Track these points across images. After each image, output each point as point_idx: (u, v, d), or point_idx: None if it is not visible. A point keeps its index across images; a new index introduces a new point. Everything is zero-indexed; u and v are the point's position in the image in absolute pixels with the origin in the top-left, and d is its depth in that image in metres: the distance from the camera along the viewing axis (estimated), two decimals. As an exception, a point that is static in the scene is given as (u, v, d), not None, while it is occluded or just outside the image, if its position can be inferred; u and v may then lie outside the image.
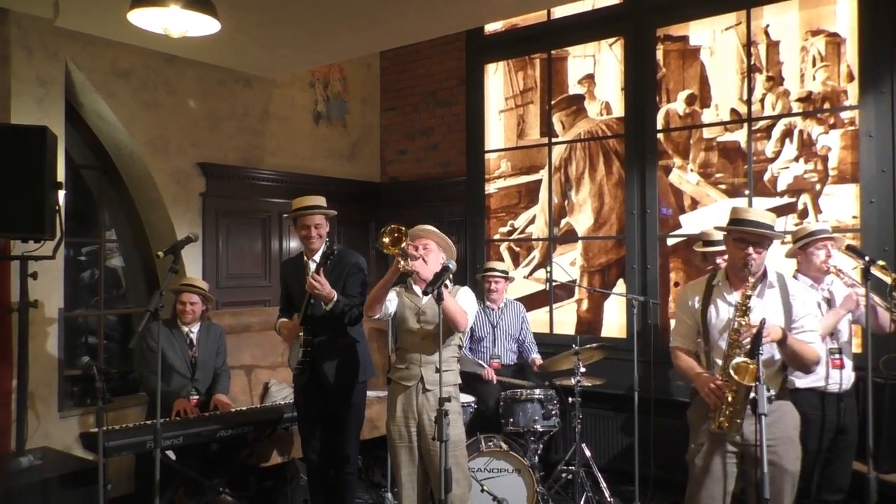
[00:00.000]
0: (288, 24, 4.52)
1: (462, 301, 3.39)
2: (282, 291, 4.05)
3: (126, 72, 4.92)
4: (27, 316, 3.95)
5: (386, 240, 3.13)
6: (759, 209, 3.04)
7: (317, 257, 3.72)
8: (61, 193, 3.95)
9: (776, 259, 4.24)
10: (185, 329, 4.37)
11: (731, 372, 2.65)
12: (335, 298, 3.58)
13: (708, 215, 4.92)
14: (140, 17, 3.59)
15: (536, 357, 4.98)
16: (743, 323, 2.74)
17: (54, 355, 4.44)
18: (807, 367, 2.87)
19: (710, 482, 2.85)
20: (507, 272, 5.09)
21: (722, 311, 2.89)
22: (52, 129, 3.92)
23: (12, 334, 4.07)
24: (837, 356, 3.44)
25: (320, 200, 3.81)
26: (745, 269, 2.80)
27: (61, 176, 4.18)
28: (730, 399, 2.70)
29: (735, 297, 2.86)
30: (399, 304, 3.46)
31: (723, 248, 3.56)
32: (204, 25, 3.71)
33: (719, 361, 2.84)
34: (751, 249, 2.78)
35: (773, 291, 2.89)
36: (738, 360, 2.68)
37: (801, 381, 3.45)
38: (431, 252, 3.41)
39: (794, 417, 2.89)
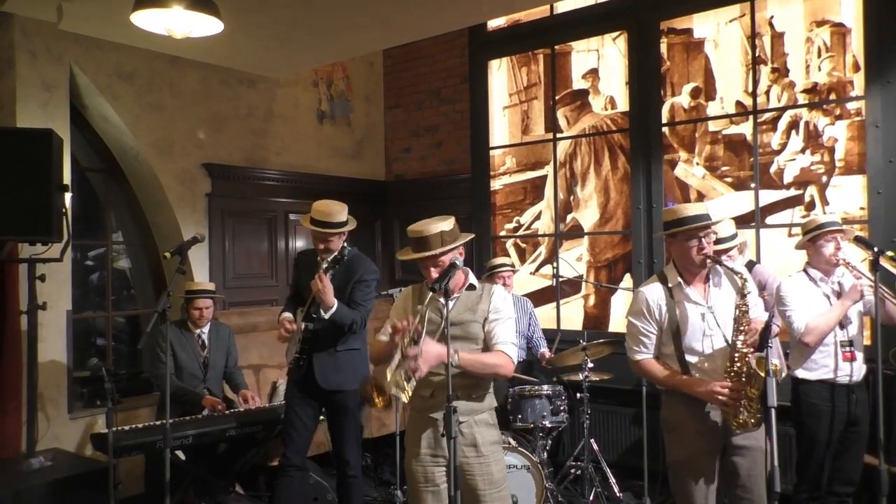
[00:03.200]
0: (290, 24, 4.52)
1: (499, 332, 2.73)
2: (293, 280, 4.02)
3: (130, 74, 4.94)
4: (36, 318, 3.97)
5: (376, 400, 2.59)
6: (689, 203, 3.09)
7: (330, 257, 3.68)
8: (68, 196, 3.96)
9: (785, 252, 4.23)
10: (197, 331, 4.40)
11: (755, 368, 2.69)
12: (335, 307, 3.51)
13: (714, 209, 4.90)
14: (143, 19, 3.60)
15: (545, 351, 4.96)
16: (744, 322, 2.77)
17: (63, 357, 4.46)
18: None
19: (701, 483, 2.85)
20: (512, 265, 5.08)
21: (691, 312, 2.87)
22: (58, 132, 3.93)
23: (21, 337, 4.09)
24: (848, 349, 3.42)
25: (340, 212, 3.61)
26: (703, 262, 2.85)
27: (67, 179, 4.20)
28: (753, 396, 2.73)
29: (695, 294, 2.88)
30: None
31: (726, 245, 3.54)
32: (207, 26, 3.71)
33: (693, 361, 2.86)
34: (704, 242, 2.83)
35: (722, 279, 2.93)
36: (756, 356, 2.71)
37: (811, 374, 3.45)
38: (446, 259, 2.74)
39: None
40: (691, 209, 2.90)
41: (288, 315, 3.73)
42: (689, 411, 2.86)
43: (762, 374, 2.65)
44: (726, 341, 2.83)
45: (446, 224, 2.74)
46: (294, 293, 3.93)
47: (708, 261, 2.85)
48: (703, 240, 2.84)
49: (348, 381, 3.69)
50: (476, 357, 2.70)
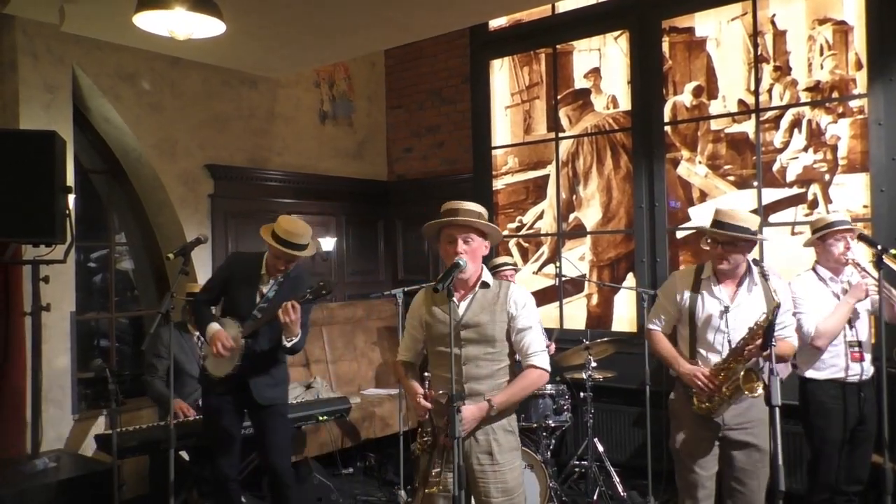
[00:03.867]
0: (292, 25, 4.52)
1: (530, 342, 2.66)
2: (217, 278, 3.70)
3: (132, 75, 4.94)
4: (40, 320, 3.98)
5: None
6: (742, 211, 3.12)
7: (281, 277, 3.56)
8: (71, 197, 3.97)
9: (788, 251, 4.22)
10: (196, 333, 4.39)
11: (741, 378, 2.79)
12: (300, 336, 3.40)
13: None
14: (146, 21, 3.61)
15: (550, 343, 4.91)
16: (757, 337, 2.81)
17: (67, 359, 4.46)
18: (785, 361, 3.15)
19: (697, 467, 3.01)
20: (514, 263, 5.07)
21: (708, 305, 3.03)
22: (61, 134, 3.93)
23: (25, 338, 4.10)
24: (857, 349, 3.41)
25: (307, 232, 3.53)
26: (720, 267, 3.01)
27: (70, 180, 4.20)
28: (725, 396, 2.89)
29: (721, 291, 3.03)
30: (423, 321, 2.76)
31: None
32: (209, 27, 3.72)
33: (702, 352, 3.03)
34: (720, 249, 2.97)
35: (757, 288, 3.02)
36: (746, 368, 2.82)
37: (820, 373, 3.44)
38: (475, 243, 2.68)
39: (763, 402, 2.98)
40: (734, 217, 2.97)
41: (223, 330, 3.49)
42: (689, 398, 3.01)
43: (743, 389, 2.78)
44: (730, 343, 2.93)
45: (482, 209, 2.75)
46: (215, 296, 3.67)
47: (725, 267, 2.99)
48: (721, 246, 2.95)
49: (281, 394, 3.68)
50: (511, 393, 2.64)
